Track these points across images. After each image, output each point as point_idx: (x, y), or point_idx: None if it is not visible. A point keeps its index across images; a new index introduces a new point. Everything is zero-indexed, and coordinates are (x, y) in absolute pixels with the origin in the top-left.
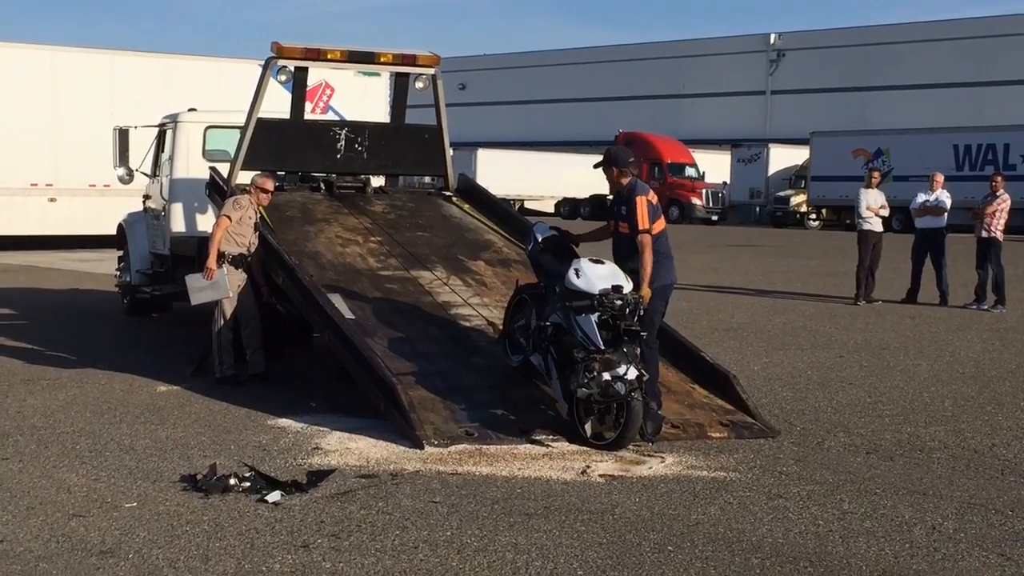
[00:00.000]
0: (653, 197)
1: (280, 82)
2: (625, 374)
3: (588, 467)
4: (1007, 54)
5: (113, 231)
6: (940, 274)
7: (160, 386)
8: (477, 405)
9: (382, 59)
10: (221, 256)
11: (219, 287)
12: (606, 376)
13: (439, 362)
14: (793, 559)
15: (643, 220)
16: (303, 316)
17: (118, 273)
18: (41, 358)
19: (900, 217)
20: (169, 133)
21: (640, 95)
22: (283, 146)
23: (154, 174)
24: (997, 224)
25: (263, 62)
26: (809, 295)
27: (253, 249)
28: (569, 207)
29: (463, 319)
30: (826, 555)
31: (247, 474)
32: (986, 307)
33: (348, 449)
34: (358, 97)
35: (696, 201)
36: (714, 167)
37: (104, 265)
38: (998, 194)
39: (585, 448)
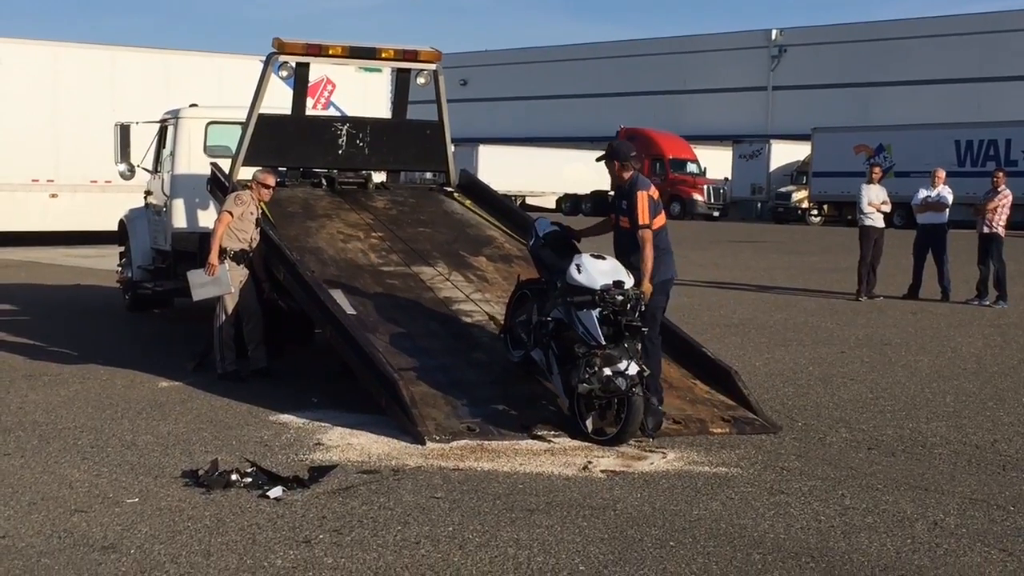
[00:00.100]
0: (654, 192)
1: (281, 78)
2: (626, 370)
3: (590, 463)
4: (1009, 50)
5: (114, 227)
6: (942, 270)
7: (162, 382)
8: (479, 401)
9: (383, 55)
10: (223, 252)
11: (221, 283)
12: (607, 371)
13: (440, 358)
14: (795, 554)
15: (643, 215)
16: (304, 312)
17: (119, 269)
18: (43, 354)
19: (901, 213)
20: (170, 129)
21: (641, 91)
22: (284, 142)
23: (155, 170)
24: (998, 220)
25: (264, 58)
26: (810, 291)
27: (255, 245)
28: (570, 203)
29: (464, 315)
30: (828, 550)
31: (249, 470)
32: (988, 303)
33: (350, 445)
34: (359, 93)
35: (697, 197)
36: (715, 163)
37: (105, 261)
38: (999, 190)
39: (587, 444)
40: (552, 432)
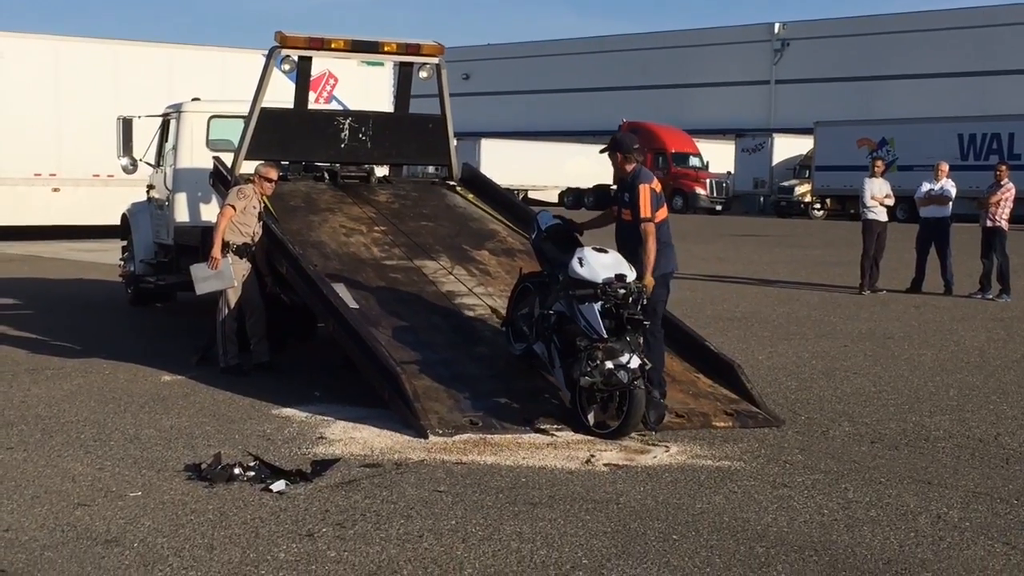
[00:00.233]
0: (657, 185)
1: (284, 72)
2: (628, 363)
3: (593, 456)
4: (1012, 43)
5: (117, 221)
6: (945, 263)
7: (164, 375)
8: (481, 394)
9: (386, 48)
10: (225, 246)
11: (223, 277)
12: (609, 365)
13: (443, 351)
14: (798, 548)
15: (645, 208)
16: (307, 306)
17: (122, 263)
18: (45, 348)
19: (904, 206)
20: (173, 123)
21: (644, 85)
22: (287, 136)
23: (158, 164)
24: (1002, 213)
25: (267, 52)
26: (813, 285)
27: (257, 239)
28: (573, 197)
29: (467, 308)
30: (831, 544)
31: (251, 463)
32: (991, 296)
33: (352, 438)
34: (362, 87)
35: (700, 191)
36: (718, 157)
37: (108, 255)
38: (1003, 183)
39: (589, 437)
40: (555, 426)
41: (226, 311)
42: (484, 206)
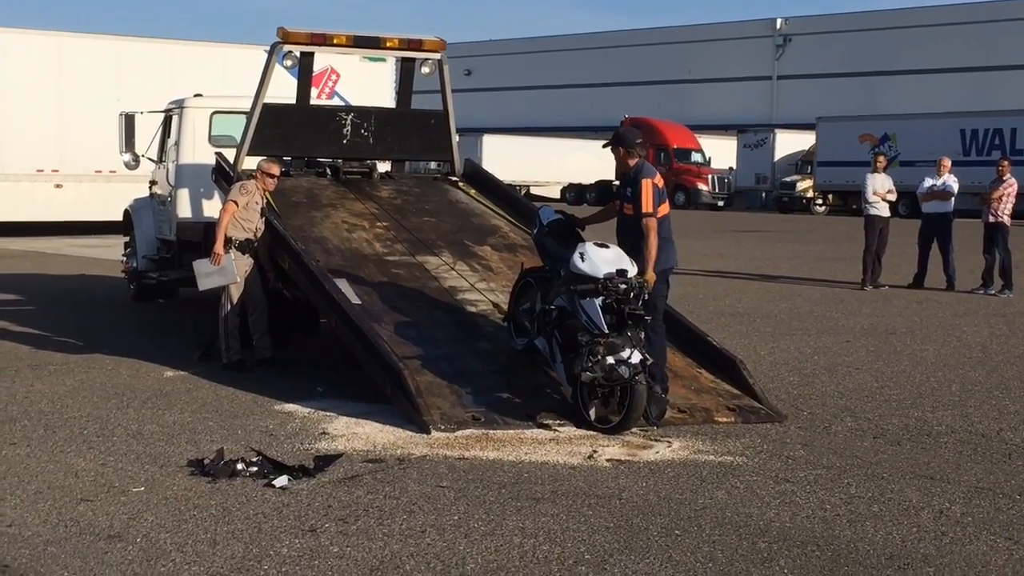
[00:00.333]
0: (659, 180)
1: (286, 67)
2: (629, 358)
3: (595, 452)
4: (1014, 38)
5: (119, 217)
6: (947, 259)
7: (167, 371)
8: (484, 390)
9: (388, 44)
10: (228, 241)
11: (226, 272)
12: (610, 360)
13: (445, 347)
14: (800, 543)
15: (648, 203)
16: (310, 301)
17: (124, 259)
18: (48, 343)
19: (907, 202)
20: (175, 119)
21: (646, 80)
22: (289, 131)
23: (160, 160)
24: (1004, 209)
25: (269, 48)
26: (815, 280)
27: (260, 234)
28: (575, 192)
29: (469, 304)
30: (833, 539)
31: (254, 459)
32: (993, 292)
33: (355, 434)
34: (364, 83)
35: (702, 186)
36: (720, 152)
37: (110, 251)
38: (1005, 179)
39: (592, 433)
40: (557, 421)
41: (229, 307)
42: (486, 202)
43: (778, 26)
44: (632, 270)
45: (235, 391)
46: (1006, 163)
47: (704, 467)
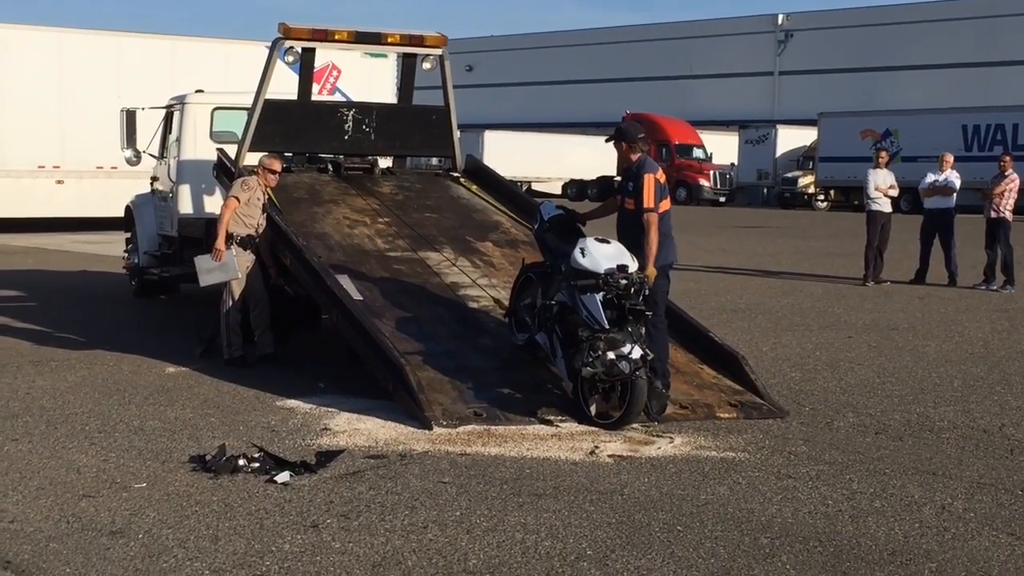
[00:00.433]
0: (661, 176)
1: (287, 63)
2: (630, 353)
3: (597, 447)
4: (1016, 33)
5: (121, 213)
6: (949, 254)
7: (169, 367)
8: (485, 385)
9: (389, 40)
10: (229, 237)
11: (228, 268)
12: (611, 355)
13: (447, 343)
14: (803, 539)
15: (649, 198)
16: (311, 297)
17: (126, 255)
18: (50, 340)
19: (908, 197)
20: (176, 115)
21: (647, 76)
22: (290, 127)
23: (161, 156)
24: (1006, 204)
25: (270, 43)
26: (817, 276)
27: (261, 230)
28: (576, 188)
29: (471, 300)
30: (835, 534)
31: (256, 455)
32: (995, 287)
33: (357, 430)
34: (365, 79)
35: (704, 182)
36: (722, 148)
37: (112, 247)
38: (1007, 174)
39: (593, 429)
40: (559, 417)
41: (230, 303)
42: (488, 197)
43: (780, 22)
44: (633, 265)
45: (237, 387)
46: (1008, 158)
47: (706, 463)
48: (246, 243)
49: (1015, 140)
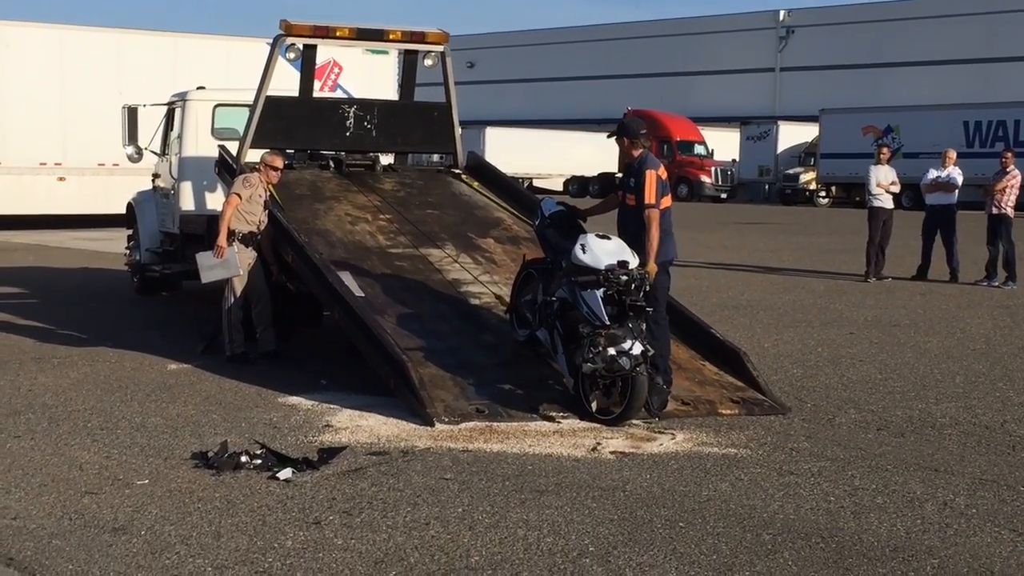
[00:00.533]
0: (663, 172)
1: (289, 60)
2: (630, 349)
3: (599, 444)
4: (1017, 29)
5: (122, 210)
6: (951, 251)
7: (170, 364)
8: (487, 382)
9: (391, 36)
10: (231, 234)
11: (229, 265)
12: (611, 351)
13: (449, 339)
14: (805, 535)
15: (651, 194)
16: (313, 294)
17: (128, 252)
18: (52, 337)
19: (910, 194)
20: (178, 112)
21: (649, 72)
22: (292, 124)
23: (163, 153)
24: (1007, 200)
25: (271, 40)
26: (819, 272)
27: (263, 227)
28: (578, 185)
29: (473, 296)
30: (838, 531)
31: (258, 451)
32: (997, 284)
33: (359, 426)
34: (366, 75)
35: (705, 179)
36: (723, 145)
37: (114, 244)
38: (1008, 170)
39: (595, 425)
40: (561, 413)
41: (232, 300)
42: (489, 194)
43: (781, 18)
44: (633, 261)
45: (239, 384)
46: (1010, 155)
47: (708, 459)
48: (248, 240)
49: (1016, 136)
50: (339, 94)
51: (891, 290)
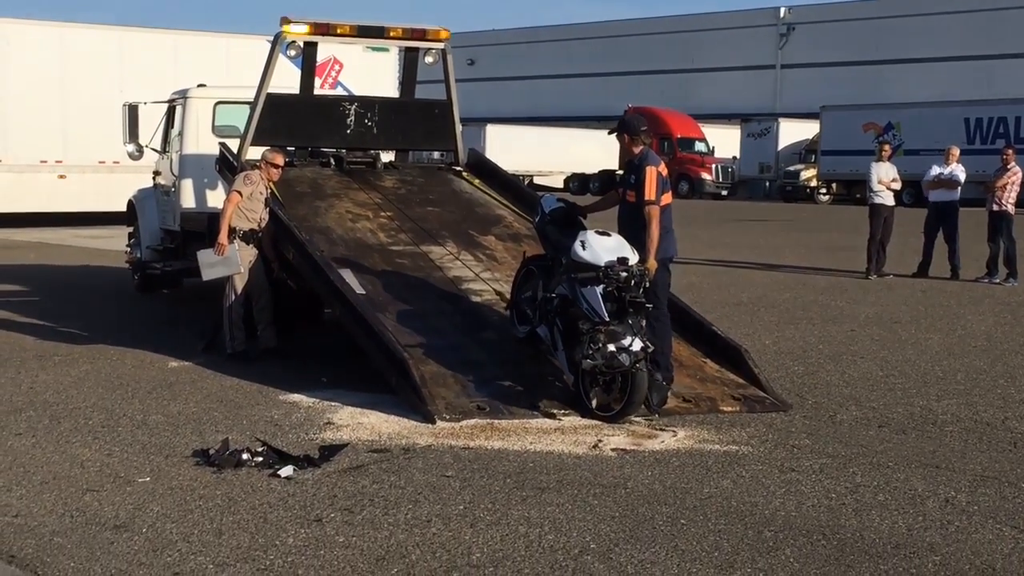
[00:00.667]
0: (663, 169)
1: (289, 57)
2: (630, 345)
3: (600, 441)
4: (1018, 26)
5: (123, 207)
6: (952, 248)
7: (172, 362)
8: (488, 379)
9: (392, 34)
10: (232, 232)
11: (230, 263)
12: (611, 348)
13: (450, 337)
14: (806, 532)
15: (651, 191)
16: (314, 291)
17: (128, 249)
18: (53, 334)
19: (911, 191)
20: (179, 109)
21: (649, 70)
22: (293, 121)
23: (164, 150)
24: (1008, 197)
25: (272, 37)
26: (820, 269)
27: (264, 224)
28: (578, 182)
29: (474, 294)
30: (839, 528)
31: (259, 449)
32: (998, 280)
33: (360, 424)
34: (367, 73)
35: (706, 176)
36: (724, 142)
37: (115, 241)
38: (1009, 167)
39: (597, 422)
40: (562, 410)
41: (233, 297)
42: (490, 191)
43: (781, 15)
44: (633, 258)
45: (240, 381)
46: (1010, 152)
47: (709, 456)
48: (249, 237)
49: (1017, 133)
50: (340, 91)
51: (892, 287)
